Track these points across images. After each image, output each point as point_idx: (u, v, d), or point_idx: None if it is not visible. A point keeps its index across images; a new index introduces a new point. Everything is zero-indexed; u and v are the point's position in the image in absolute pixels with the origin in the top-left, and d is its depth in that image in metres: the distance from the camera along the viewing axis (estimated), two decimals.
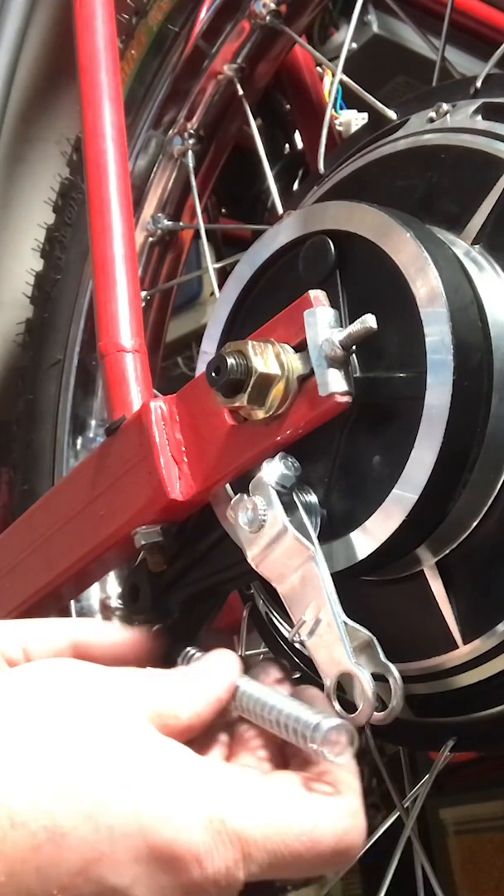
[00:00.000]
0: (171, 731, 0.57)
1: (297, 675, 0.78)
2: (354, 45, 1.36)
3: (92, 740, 0.54)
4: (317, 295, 0.67)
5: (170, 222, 1.17)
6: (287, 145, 1.40)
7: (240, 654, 0.75)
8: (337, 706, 0.61)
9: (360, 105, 1.14)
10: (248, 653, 0.93)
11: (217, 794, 0.54)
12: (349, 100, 1.19)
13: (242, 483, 0.70)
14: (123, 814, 0.51)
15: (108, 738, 0.54)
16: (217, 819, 0.53)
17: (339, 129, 1.19)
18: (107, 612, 1.11)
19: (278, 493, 0.66)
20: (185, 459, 0.76)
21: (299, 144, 1.39)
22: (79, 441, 1.16)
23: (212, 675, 0.63)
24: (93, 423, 1.16)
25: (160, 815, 0.52)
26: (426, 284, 0.64)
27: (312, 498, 0.69)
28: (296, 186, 1.36)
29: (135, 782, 0.53)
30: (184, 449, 0.76)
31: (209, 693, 0.61)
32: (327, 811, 0.55)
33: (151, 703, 0.58)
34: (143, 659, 0.70)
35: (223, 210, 1.45)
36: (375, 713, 0.60)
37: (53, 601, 0.96)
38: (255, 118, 1.11)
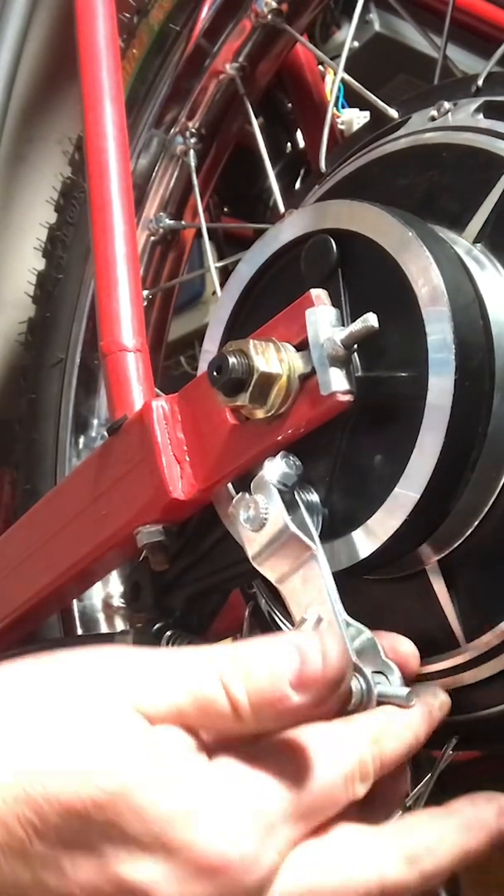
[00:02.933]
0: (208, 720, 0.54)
1: None
2: (356, 44, 1.36)
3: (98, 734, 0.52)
4: (318, 294, 0.67)
5: (171, 221, 1.17)
6: (289, 144, 1.40)
7: None
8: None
9: (361, 104, 1.14)
10: None
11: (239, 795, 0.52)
12: (351, 98, 1.20)
13: (244, 482, 0.70)
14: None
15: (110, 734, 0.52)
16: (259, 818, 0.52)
17: (341, 127, 1.19)
18: (109, 611, 1.11)
19: (280, 491, 0.67)
20: (187, 458, 0.76)
21: (301, 143, 1.39)
22: (81, 440, 1.16)
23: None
24: (95, 422, 1.16)
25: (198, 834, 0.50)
26: (428, 283, 0.64)
27: (314, 497, 0.69)
28: (297, 185, 1.36)
29: (167, 796, 0.51)
30: (185, 448, 0.76)
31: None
32: None
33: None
34: None
35: (225, 209, 1.45)
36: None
37: (56, 600, 0.96)
38: (256, 117, 1.11)
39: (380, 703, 0.61)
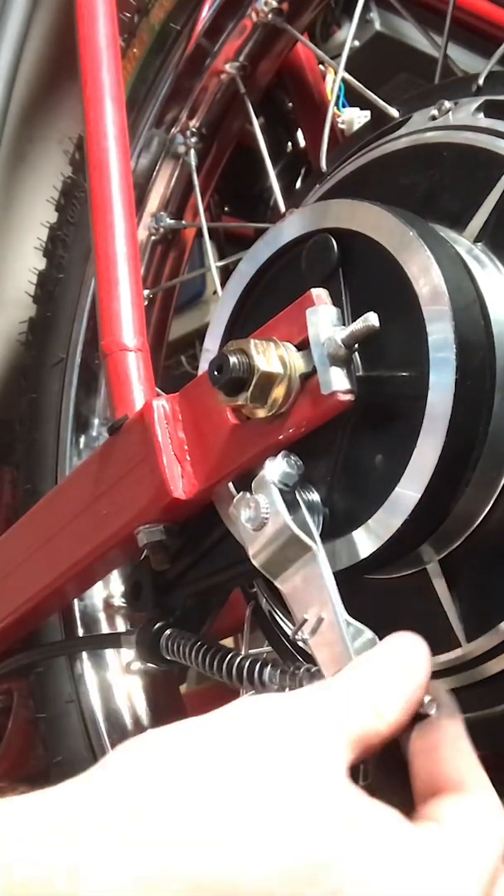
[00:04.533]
0: (369, 749, 0.52)
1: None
2: (356, 43, 1.36)
3: (312, 812, 0.47)
4: (319, 293, 0.67)
5: (172, 221, 1.17)
6: (289, 143, 1.40)
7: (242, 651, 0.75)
8: None
9: (362, 103, 1.14)
10: (251, 651, 0.93)
11: (447, 874, 0.48)
12: (351, 97, 1.20)
13: (245, 481, 0.70)
14: None
15: (327, 808, 0.48)
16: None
17: (342, 126, 1.19)
18: (110, 610, 1.11)
19: (281, 491, 0.66)
20: (188, 458, 0.76)
21: (301, 142, 1.39)
22: (82, 440, 1.16)
23: (404, 669, 0.56)
24: (95, 421, 1.16)
25: None
26: (429, 283, 0.64)
27: (315, 496, 0.69)
28: (298, 184, 1.36)
29: (372, 870, 0.47)
30: (186, 448, 0.76)
31: (407, 695, 0.54)
32: None
33: (351, 729, 0.52)
34: None
35: (226, 208, 1.45)
36: None
37: (57, 600, 0.96)
38: (257, 116, 1.11)
39: None
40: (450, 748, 0.54)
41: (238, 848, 0.45)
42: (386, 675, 0.55)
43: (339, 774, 0.49)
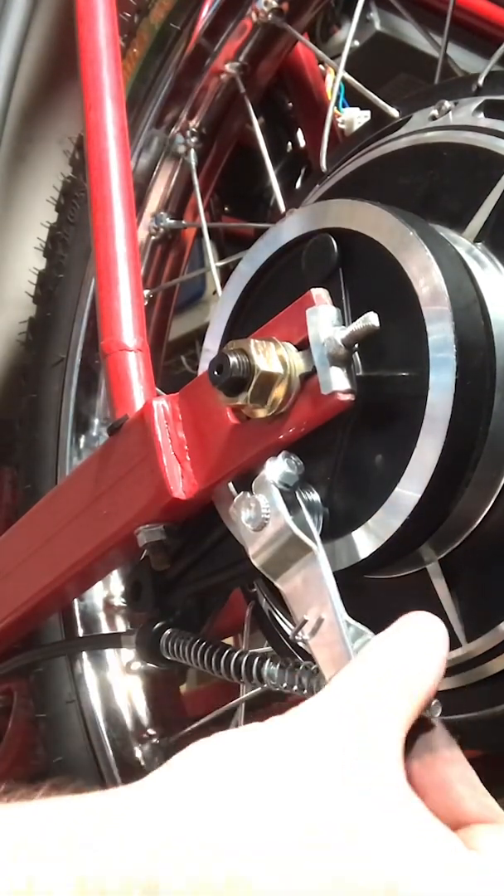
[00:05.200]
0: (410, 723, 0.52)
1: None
2: (356, 43, 1.36)
3: (379, 826, 0.46)
4: (319, 293, 0.67)
5: (172, 221, 1.17)
6: (289, 143, 1.40)
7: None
8: None
9: (362, 103, 1.14)
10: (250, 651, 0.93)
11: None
12: (351, 97, 1.20)
13: (245, 481, 0.70)
14: None
15: (392, 820, 0.47)
16: None
17: (342, 126, 1.19)
18: (110, 610, 1.11)
19: (281, 491, 0.66)
20: (188, 458, 0.76)
21: (301, 142, 1.39)
22: (82, 440, 1.16)
23: (428, 644, 0.56)
24: (95, 421, 1.16)
25: None
26: (429, 283, 0.64)
27: (315, 496, 0.69)
28: (298, 184, 1.36)
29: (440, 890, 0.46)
30: (186, 448, 0.76)
31: (432, 672, 0.55)
32: None
33: (402, 718, 0.51)
34: None
35: (226, 208, 1.45)
36: None
37: (57, 600, 0.97)
38: (257, 116, 1.11)
39: None
40: (464, 783, 0.54)
41: (304, 873, 0.44)
42: (414, 652, 0.55)
43: (398, 778, 0.48)
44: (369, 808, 0.47)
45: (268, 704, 1.02)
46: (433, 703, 0.56)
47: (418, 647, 0.55)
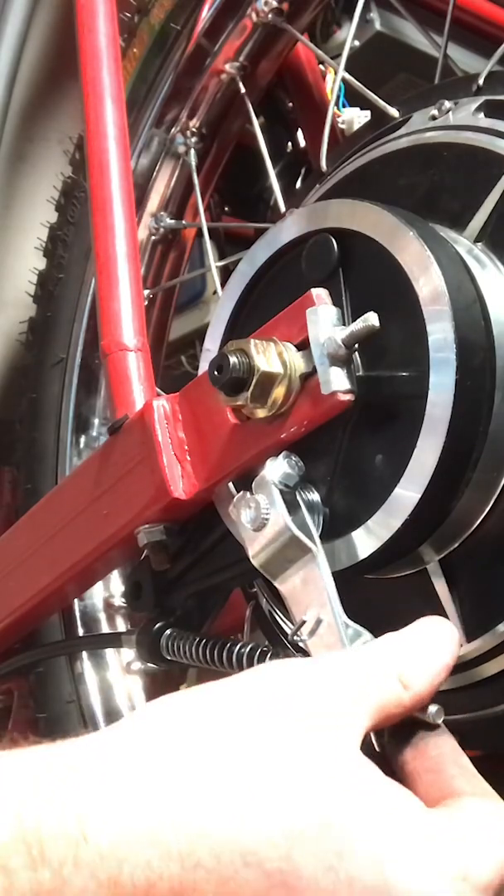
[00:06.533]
0: (390, 718, 0.54)
1: None
2: (357, 43, 1.36)
3: (321, 772, 0.49)
4: (319, 293, 0.67)
5: (172, 221, 1.17)
6: (289, 143, 1.40)
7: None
8: None
9: (362, 103, 1.14)
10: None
11: (456, 849, 0.49)
12: (351, 97, 1.19)
13: (245, 481, 0.70)
14: (367, 868, 0.47)
15: (337, 771, 0.49)
16: (460, 877, 0.48)
17: (342, 126, 1.19)
18: (110, 610, 1.11)
19: (281, 491, 0.66)
20: (188, 458, 0.76)
21: (302, 142, 1.39)
22: (82, 440, 1.16)
23: (435, 647, 0.57)
24: (96, 421, 1.16)
25: (408, 873, 0.47)
26: (429, 283, 0.64)
27: (315, 496, 0.69)
28: (298, 184, 1.36)
29: (378, 833, 0.48)
30: (186, 447, 0.76)
31: (435, 670, 0.56)
32: None
33: (375, 695, 0.53)
34: None
35: (226, 208, 1.45)
36: None
37: (57, 600, 0.97)
38: (257, 116, 1.11)
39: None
40: (454, 765, 0.55)
41: (243, 805, 0.47)
42: (417, 648, 0.56)
43: (352, 742, 0.50)
44: (311, 756, 0.49)
45: None
46: (435, 708, 0.56)
47: (425, 644, 0.57)
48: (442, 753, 0.56)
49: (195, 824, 0.46)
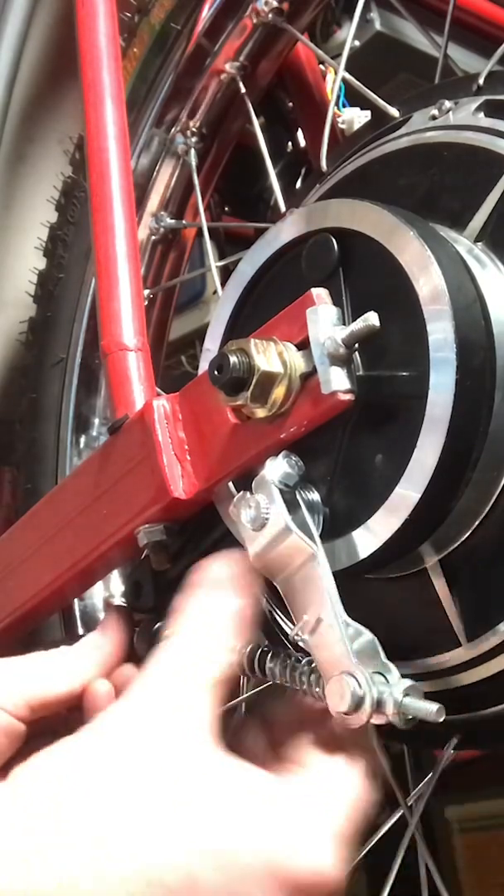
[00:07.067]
0: (236, 682, 0.61)
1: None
2: (357, 43, 1.36)
3: (181, 782, 0.54)
4: (319, 293, 0.67)
5: (172, 220, 1.17)
6: (289, 143, 1.40)
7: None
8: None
9: (362, 103, 1.14)
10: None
11: (325, 813, 0.55)
12: (352, 97, 1.20)
13: (245, 481, 0.70)
14: (252, 858, 0.52)
15: (194, 774, 0.55)
16: (339, 836, 0.54)
17: (342, 126, 1.20)
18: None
19: (281, 491, 0.66)
20: (188, 458, 0.76)
21: (302, 142, 1.39)
22: (82, 440, 1.16)
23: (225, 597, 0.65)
24: (96, 421, 1.16)
25: (289, 850, 0.53)
26: (429, 283, 0.64)
27: (315, 496, 0.69)
28: (298, 184, 1.36)
29: (252, 821, 0.53)
30: (187, 447, 0.76)
31: (238, 614, 0.64)
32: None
33: (207, 675, 0.61)
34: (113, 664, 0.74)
35: (226, 208, 1.45)
36: (377, 713, 0.60)
37: (57, 600, 0.96)
38: (257, 116, 1.11)
39: (405, 715, 0.60)
40: (316, 726, 0.62)
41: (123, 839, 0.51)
42: (212, 608, 0.64)
43: (202, 747, 0.56)
44: (172, 778, 0.54)
45: None
46: (436, 708, 0.57)
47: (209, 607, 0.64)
48: (304, 719, 0.63)
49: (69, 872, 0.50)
